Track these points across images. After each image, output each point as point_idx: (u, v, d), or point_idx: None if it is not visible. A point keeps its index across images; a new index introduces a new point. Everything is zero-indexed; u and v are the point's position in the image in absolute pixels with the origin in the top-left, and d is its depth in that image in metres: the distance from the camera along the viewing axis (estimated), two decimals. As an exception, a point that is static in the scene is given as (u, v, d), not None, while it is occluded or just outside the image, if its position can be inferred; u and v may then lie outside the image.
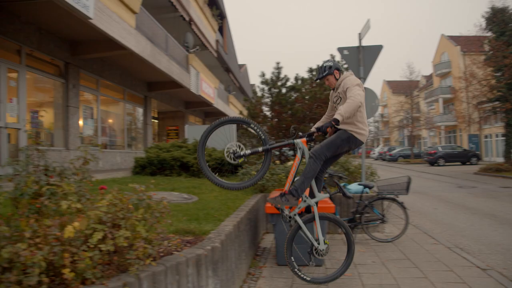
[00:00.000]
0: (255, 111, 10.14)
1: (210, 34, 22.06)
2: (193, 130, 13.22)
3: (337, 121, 3.82)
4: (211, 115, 27.37)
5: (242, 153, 3.95)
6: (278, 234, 4.93)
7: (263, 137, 4.02)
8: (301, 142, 4.12)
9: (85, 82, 11.97)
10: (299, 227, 4.05)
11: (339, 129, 4.13)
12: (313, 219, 4.06)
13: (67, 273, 1.81)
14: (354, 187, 6.94)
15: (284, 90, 10.05)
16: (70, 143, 10.77)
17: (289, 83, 10.15)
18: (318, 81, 5.04)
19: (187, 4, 16.94)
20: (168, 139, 21.01)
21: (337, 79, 4.36)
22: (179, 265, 2.51)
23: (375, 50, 8.37)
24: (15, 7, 8.43)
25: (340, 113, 3.81)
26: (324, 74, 4.35)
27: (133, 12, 11.03)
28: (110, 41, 10.07)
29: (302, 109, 9.61)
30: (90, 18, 8.33)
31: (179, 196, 5.71)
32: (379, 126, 72.99)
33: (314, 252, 4.05)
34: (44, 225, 1.93)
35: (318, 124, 4.43)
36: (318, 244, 4.03)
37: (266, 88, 10.24)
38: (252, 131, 4.03)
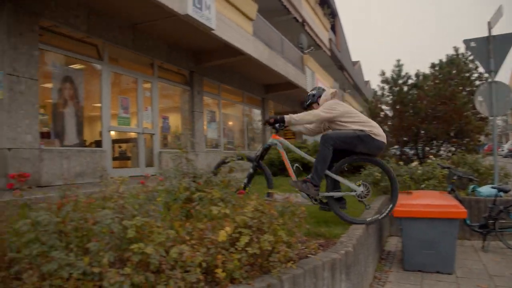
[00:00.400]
0: (375, 110, 9.87)
1: (323, 33, 22.00)
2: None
3: (282, 119, 4.42)
4: (326, 114, 27.13)
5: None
6: (406, 238, 4.76)
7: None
8: (271, 139, 4.67)
9: (207, 88, 12.78)
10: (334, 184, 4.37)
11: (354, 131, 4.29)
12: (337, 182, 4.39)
13: (219, 272, 2.00)
14: (486, 190, 6.39)
15: (405, 89, 9.63)
16: (196, 146, 11.61)
17: (410, 81, 9.71)
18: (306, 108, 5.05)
19: (299, 6, 17.11)
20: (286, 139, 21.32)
21: (319, 104, 4.68)
22: (316, 268, 2.59)
23: (509, 39, 7.54)
24: (148, 27, 9.36)
25: (293, 116, 4.37)
26: (307, 103, 4.84)
27: (250, 19, 11.49)
28: (230, 48, 10.62)
29: (425, 107, 9.11)
30: (213, 30, 8.88)
31: (304, 198, 5.77)
32: (508, 119, 65.09)
33: (358, 198, 4.27)
34: (197, 228, 2.14)
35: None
36: (356, 190, 4.25)
37: (386, 86, 9.91)
38: None
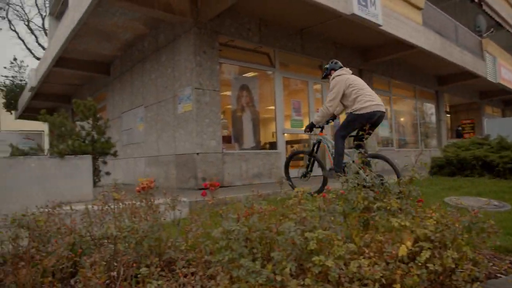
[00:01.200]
0: None
1: (506, 10, 19.21)
2: (493, 124, 11.88)
3: (313, 125, 5.64)
4: (512, 104, 23.87)
5: None
6: None
7: None
8: (318, 136, 5.82)
9: (377, 85, 12.43)
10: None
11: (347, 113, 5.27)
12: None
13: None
14: None
15: None
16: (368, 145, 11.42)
17: None
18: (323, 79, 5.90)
19: (476, -16, 15.39)
20: (464, 134, 19.50)
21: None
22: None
23: None
24: (315, 31, 9.62)
25: (314, 118, 5.57)
26: (324, 75, 5.68)
27: (418, 8, 10.80)
28: (398, 42, 10.16)
29: None
30: (380, 25, 8.63)
31: (488, 203, 5.19)
32: None
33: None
34: (376, 240, 2.12)
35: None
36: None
37: None
38: None
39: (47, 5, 25.14)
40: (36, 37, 30.07)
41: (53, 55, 10.99)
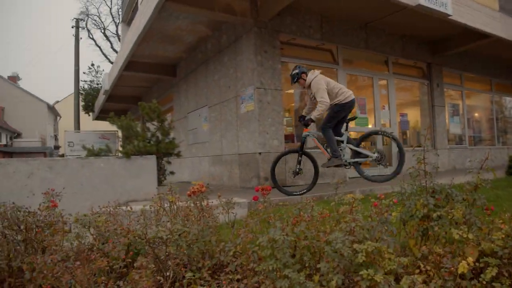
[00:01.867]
0: None
1: None
2: None
3: (312, 120, 5.97)
4: None
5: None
6: None
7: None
8: (304, 131, 6.24)
9: (448, 79, 11.77)
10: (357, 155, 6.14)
11: (331, 106, 5.95)
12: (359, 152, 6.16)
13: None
14: None
15: None
16: (437, 143, 10.86)
17: None
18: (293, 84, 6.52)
19: None
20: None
21: (305, 80, 6.10)
22: None
23: None
24: (379, 25, 9.28)
25: (314, 115, 5.88)
26: (294, 81, 6.22)
27: (495, -6, 10.07)
28: (471, 32, 9.51)
29: None
30: (449, 15, 8.14)
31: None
32: None
33: (377, 162, 6.03)
34: (434, 253, 1.96)
35: (306, 113, 6.33)
36: (372, 156, 6.05)
37: None
38: None
39: (120, 13, 26.55)
40: (111, 43, 31.96)
41: (123, 60, 11.55)
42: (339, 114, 6.01)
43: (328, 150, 6.05)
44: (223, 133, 9.00)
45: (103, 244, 2.58)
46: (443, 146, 11.09)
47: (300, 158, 6.16)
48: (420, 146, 2.40)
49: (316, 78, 5.97)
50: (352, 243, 1.80)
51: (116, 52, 28.86)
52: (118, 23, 29.51)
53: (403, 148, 6.06)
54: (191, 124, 11.23)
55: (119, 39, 28.51)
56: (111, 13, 31.39)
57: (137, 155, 6.33)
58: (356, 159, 6.09)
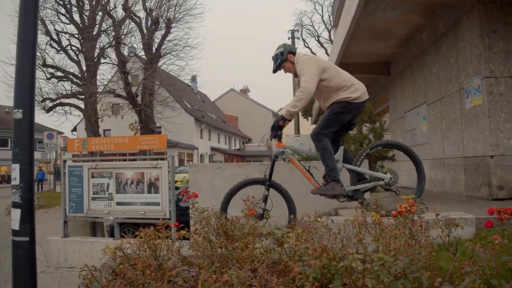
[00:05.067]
0: None
1: None
2: None
3: (283, 118, 3.82)
4: None
5: None
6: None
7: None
8: (276, 147, 4.06)
9: None
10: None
11: (331, 105, 3.96)
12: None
13: None
14: None
15: None
16: None
17: None
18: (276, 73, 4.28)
19: None
20: None
21: (293, 63, 4.05)
22: None
23: None
24: None
25: (286, 108, 3.85)
26: (278, 63, 4.11)
27: None
28: None
29: None
30: None
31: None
32: None
33: (387, 186, 3.93)
34: None
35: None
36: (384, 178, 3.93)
37: None
38: None
39: (331, 19, 27.08)
40: (325, 49, 32.73)
41: (334, 62, 11.42)
42: (343, 117, 3.96)
43: (322, 174, 4.01)
44: (445, 133, 7.85)
45: (293, 261, 2.29)
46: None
47: (267, 192, 3.94)
48: None
49: (305, 57, 4.05)
50: None
51: (331, 57, 29.53)
52: (330, 28, 30.08)
53: (423, 166, 4.11)
54: (409, 125, 10.32)
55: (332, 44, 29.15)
56: (323, 21, 32.24)
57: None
58: (358, 186, 3.98)
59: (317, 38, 34.53)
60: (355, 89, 3.91)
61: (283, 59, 4.09)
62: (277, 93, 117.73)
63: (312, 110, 23.69)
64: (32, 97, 2.54)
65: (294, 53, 4.12)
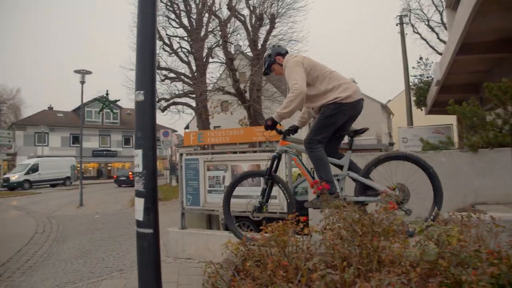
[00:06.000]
0: None
1: None
2: None
3: (274, 121, 3.71)
4: None
5: None
6: None
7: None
8: (279, 145, 3.94)
9: None
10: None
11: (321, 108, 3.72)
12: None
13: None
14: None
15: None
16: None
17: None
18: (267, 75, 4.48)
19: None
20: None
21: (281, 65, 3.96)
22: None
23: None
24: None
25: (278, 111, 3.66)
26: (266, 66, 4.11)
27: None
28: None
29: None
30: None
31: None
32: None
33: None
34: None
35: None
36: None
37: None
38: None
39: (443, 0, 24.95)
40: (436, 34, 30.10)
41: (455, 43, 10.35)
42: (336, 120, 3.70)
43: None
44: None
45: (455, 266, 1.89)
46: None
47: (265, 185, 3.97)
48: None
49: (292, 58, 3.83)
50: None
51: (444, 42, 27.16)
52: (442, 10, 27.63)
53: (441, 183, 3.47)
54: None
55: (445, 27, 26.70)
56: (433, 2, 29.50)
57: (485, 147, 5.32)
58: (362, 197, 3.62)
59: (427, 23, 32.03)
60: (344, 88, 3.70)
61: (271, 61, 4.09)
62: (385, 84, 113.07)
63: (426, 100, 22.08)
64: (153, 78, 2.49)
65: (282, 55, 4.07)
